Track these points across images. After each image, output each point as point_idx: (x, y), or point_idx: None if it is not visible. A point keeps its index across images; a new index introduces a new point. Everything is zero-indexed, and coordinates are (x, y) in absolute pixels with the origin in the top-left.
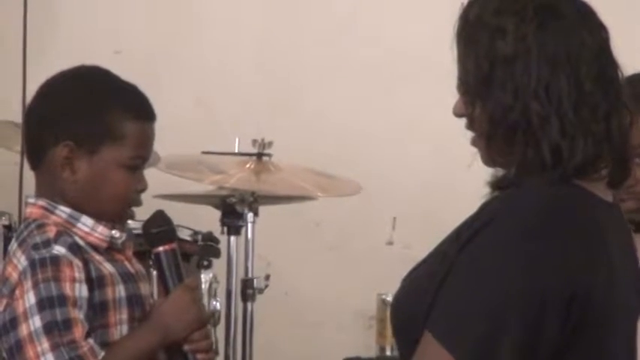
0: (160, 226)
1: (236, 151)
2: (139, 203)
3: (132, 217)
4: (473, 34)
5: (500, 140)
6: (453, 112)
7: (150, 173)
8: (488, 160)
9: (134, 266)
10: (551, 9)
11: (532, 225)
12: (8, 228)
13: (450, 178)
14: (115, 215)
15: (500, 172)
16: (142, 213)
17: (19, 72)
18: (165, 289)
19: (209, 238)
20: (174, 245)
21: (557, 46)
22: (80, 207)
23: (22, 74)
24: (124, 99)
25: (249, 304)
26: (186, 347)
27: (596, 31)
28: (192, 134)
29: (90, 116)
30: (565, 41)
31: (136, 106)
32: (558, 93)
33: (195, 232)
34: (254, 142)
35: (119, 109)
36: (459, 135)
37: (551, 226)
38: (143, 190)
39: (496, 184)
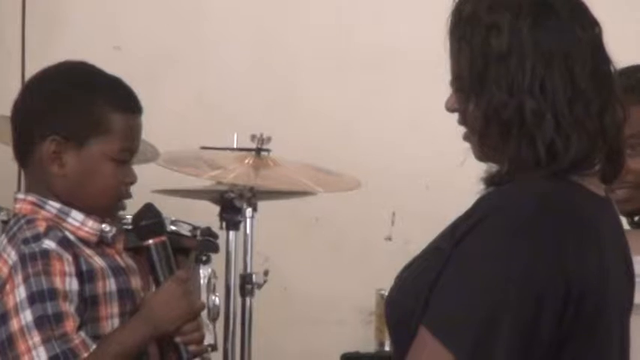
0: (149, 219)
1: (235, 146)
2: (128, 196)
3: (123, 209)
4: (467, 31)
5: (494, 136)
6: (445, 107)
7: (148, 168)
8: (481, 155)
9: (125, 260)
10: (546, 5)
11: (527, 220)
12: (7, 223)
13: (449, 174)
14: (105, 208)
15: (494, 168)
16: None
17: (18, 67)
18: (156, 282)
19: (208, 233)
20: (163, 238)
21: (552, 42)
22: (70, 201)
23: (21, 69)
24: (109, 92)
25: (247, 300)
26: (177, 339)
27: (589, 27)
28: (190, 129)
29: (76, 110)
30: (559, 38)
31: (121, 99)
32: (553, 89)
33: (194, 227)
34: (253, 137)
35: (105, 102)
36: (458, 131)
37: (545, 222)
38: (132, 182)
39: (490, 180)
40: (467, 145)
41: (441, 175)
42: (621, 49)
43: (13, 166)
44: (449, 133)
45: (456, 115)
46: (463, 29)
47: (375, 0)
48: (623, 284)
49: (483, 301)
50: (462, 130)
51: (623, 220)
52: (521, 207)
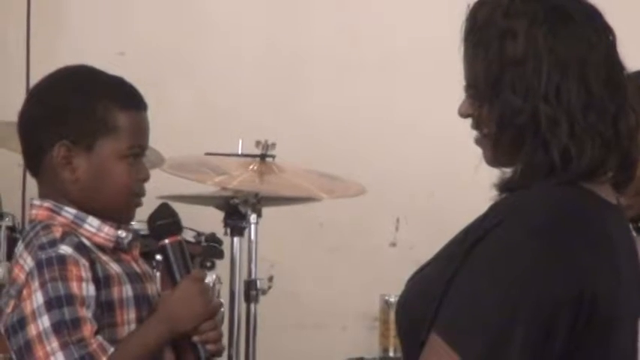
0: (165, 219)
1: (239, 152)
2: (143, 193)
3: (139, 206)
4: (482, 36)
5: (507, 141)
6: (458, 112)
7: (153, 174)
8: (493, 160)
9: (141, 266)
10: (561, 12)
11: (541, 226)
12: (12, 229)
13: (454, 179)
14: (121, 207)
15: (507, 174)
16: (146, 214)
17: (23, 73)
18: (172, 281)
19: (212, 239)
20: (180, 237)
21: (568, 49)
22: (86, 205)
23: (26, 75)
24: (111, 91)
25: (252, 306)
26: (195, 338)
27: (603, 34)
28: (195, 135)
29: (81, 113)
30: (575, 44)
31: (124, 97)
32: (568, 96)
33: (199, 234)
34: (257, 143)
35: (108, 101)
36: (463, 136)
37: (559, 228)
38: (145, 179)
39: (503, 186)
40: (473, 150)
41: (445, 181)
42: (634, 54)
43: (18, 172)
44: (454, 139)
45: (461, 121)
46: (478, 35)
47: (381, 6)
48: (633, 289)
49: (496, 309)
50: (470, 135)
51: None
52: (534, 214)
